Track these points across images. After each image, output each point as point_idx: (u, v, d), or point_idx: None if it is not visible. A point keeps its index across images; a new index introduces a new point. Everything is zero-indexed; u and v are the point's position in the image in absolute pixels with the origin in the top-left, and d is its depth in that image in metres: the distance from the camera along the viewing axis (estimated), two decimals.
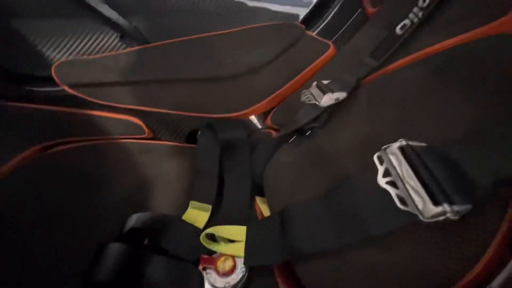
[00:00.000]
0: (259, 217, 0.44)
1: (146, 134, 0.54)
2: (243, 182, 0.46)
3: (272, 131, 0.54)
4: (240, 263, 0.35)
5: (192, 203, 0.46)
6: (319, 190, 0.35)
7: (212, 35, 0.54)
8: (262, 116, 0.64)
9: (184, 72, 0.50)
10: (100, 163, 0.48)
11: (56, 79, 0.45)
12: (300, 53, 0.52)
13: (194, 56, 0.52)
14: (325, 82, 0.43)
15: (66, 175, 0.45)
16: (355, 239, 0.27)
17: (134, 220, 0.40)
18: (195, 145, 0.56)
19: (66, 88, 0.46)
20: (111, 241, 0.36)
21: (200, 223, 0.44)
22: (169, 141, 0.57)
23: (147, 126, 0.55)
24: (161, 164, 0.52)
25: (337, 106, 0.40)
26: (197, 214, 0.45)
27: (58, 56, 0.57)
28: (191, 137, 0.60)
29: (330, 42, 0.53)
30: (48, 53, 0.57)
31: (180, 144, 0.56)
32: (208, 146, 0.50)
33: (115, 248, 0.35)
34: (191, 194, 0.47)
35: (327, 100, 0.38)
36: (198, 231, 0.42)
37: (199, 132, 0.57)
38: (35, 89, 0.58)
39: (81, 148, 0.48)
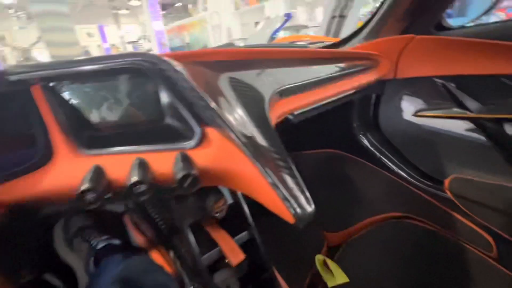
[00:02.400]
0: None
1: (493, 253, 0.51)
2: None
3: None
4: None
5: None
6: None
7: None
8: None
9: None
10: (437, 251, 0.51)
11: (446, 187, 0.55)
12: None
13: None
14: None
15: (409, 245, 0.53)
16: None
17: None
18: None
19: (448, 193, 0.54)
20: None
21: None
22: None
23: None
24: None
25: None
26: None
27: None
28: None
29: None
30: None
31: None
32: None
33: None
34: None
35: None
36: None
37: None
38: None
39: (422, 228, 0.55)
